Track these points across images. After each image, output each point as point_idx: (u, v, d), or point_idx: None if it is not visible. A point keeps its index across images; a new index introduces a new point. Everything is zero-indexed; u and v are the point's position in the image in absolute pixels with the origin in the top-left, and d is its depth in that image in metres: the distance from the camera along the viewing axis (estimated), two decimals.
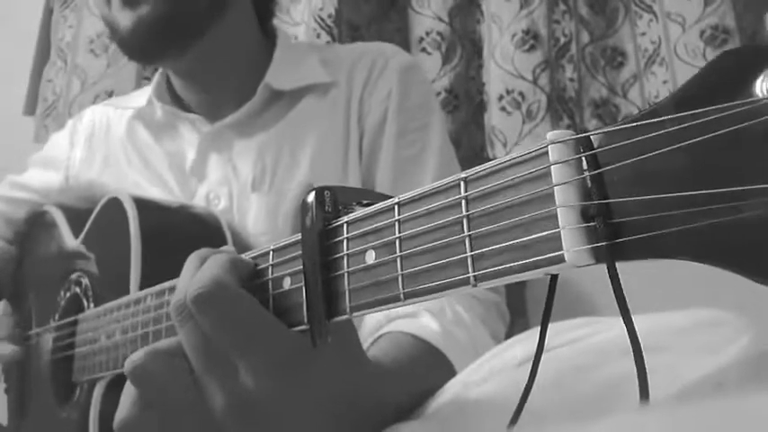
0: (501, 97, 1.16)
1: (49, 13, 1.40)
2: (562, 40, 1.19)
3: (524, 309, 1.10)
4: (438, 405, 0.48)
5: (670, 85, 1.13)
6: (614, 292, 0.26)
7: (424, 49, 1.21)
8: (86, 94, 1.30)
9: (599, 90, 1.20)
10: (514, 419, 0.30)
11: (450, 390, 0.48)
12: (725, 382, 0.34)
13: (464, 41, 1.22)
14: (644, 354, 0.26)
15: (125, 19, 0.72)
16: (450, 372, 0.56)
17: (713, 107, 0.22)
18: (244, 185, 0.76)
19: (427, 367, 0.55)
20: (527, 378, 0.32)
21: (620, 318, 0.26)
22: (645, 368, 0.26)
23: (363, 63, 0.80)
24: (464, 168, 0.89)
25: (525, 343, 0.47)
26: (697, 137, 0.23)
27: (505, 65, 1.16)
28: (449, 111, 1.18)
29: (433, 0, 1.21)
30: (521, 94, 1.15)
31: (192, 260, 0.43)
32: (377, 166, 0.76)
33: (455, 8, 1.22)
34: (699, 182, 0.23)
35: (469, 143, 1.20)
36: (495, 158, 1.09)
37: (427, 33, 1.22)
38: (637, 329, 0.27)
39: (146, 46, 0.74)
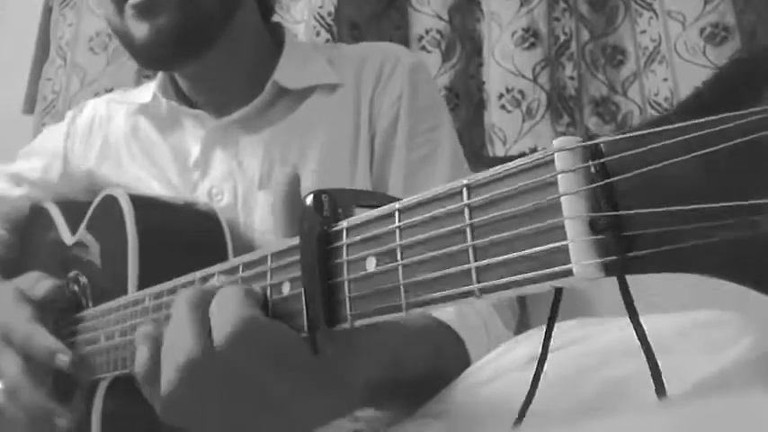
0: (501, 95, 1.16)
1: (48, 11, 1.40)
2: (562, 38, 1.18)
3: (525, 309, 1.10)
4: (443, 405, 0.48)
5: (670, 82, 1.13)
6: (625, 304, 0.25)
7: (423, 48, 1.21)
8: (86, 92, 1.29)
9: (599, 88, 1.20)
10: (519, 419, 0.30)
11: (455, 390, 0.48)
12: (728, 382, 0.34)
13: (464, 39, 1.22)
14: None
15: (141, 30, 0.70)
16: (462, 350, 0.56)
17: (729, 114, 0.21)
18: (250, 182, 0.75)
19: (440, 344, 0.55)
20: (531, 379, 0.32)
21: (621, 319, 0.26)
22: (660, 372, 0.25)
23: (372, 64, 0.80)
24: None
25: (528, 343, 0.47)
26: (712, 146, 0.21)
27: (505, 63, 1.16)
28: (449, 109, 1.17)
29: None
30: (521, 92, 1.15)
31: (185, 308, 0.40)
32: (389, 168, 0.76)
33: (455, 6, 1.21)
34: (714, 193, 0.22)
35: (469, 141, 1.19)
36: (494, 157, 1.08)
37: (427, 31, 1.22)
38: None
39: (163, 56, 0.73)
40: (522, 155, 1.19)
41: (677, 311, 0.42)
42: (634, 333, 0.26)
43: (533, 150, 1.12)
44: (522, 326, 1.00)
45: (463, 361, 0.55)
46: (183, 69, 0.79)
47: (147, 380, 0.42)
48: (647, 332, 0.28)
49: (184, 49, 0.73)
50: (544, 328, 0.31)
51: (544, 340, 0.30)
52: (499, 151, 1.15)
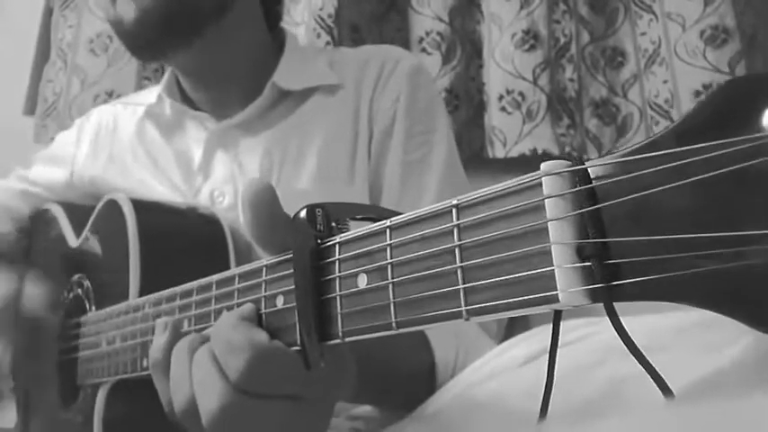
0: (501, 97, 1.16)
1: (48, 12, 1.40)
2: (562, 40, 1.19)
3: None
4: (440, 405, 0.48)
5: (670, 85, 1.13)
6: (617, 331, 0.25)
7: (424, 50, 1.21)
8: (86, 93, 1.29)
9: (599, 90, 1.20)
10: (542, 415, 0.30)
11: (452, 390, 0.48)
12: (725, 382, 0.34)
13: (464, 41, 1.22)
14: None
15: (128, 12, 0.71)
16: (426, 346, 0.56)
17: (716, 142, 0.21)
18: None
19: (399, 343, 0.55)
20: (529, 378, 0.32)
21: (625, 317, 0.26)
22: (661, 376, 0.25)
23: (372, 65, 0.81)
24: (466, 169, 0.88)
25: (526, 343, 0.47)
26: (699, 174, 0.21)
27: (505, 65, 1.16)
28: (449, 111, 1.18)
29: (433, 0, 1.21)
30: (521, 94, 1.15)
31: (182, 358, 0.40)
32: (384, 169, 0.76)
33: (455, 8, 1.22)
34: (702, 223, 0.21)
35: (469, 143, 1.20)
36: (494, 158, 1.08)
37: (427, 33, 1.22)
38: (636, 330, 0.27)
39: (151, 38, 0.73)
40: (523, 157, 1.19)
41: (674, 311, 0.42)
42: (636, 332, 0.26)
43: (533, 152, 1.13)
44: (522, 327, 1.00)
45: (425, 351, 0.56)
46: (174, 58, 0.79)
47: (158, 368, 0.43)
48: (644, 332, 0.28)
49: (171, 32, 0.73)
50: (541, 329, 0.31)
51: (549, 359, 0.30)
52: (499, 153, 1.15)
